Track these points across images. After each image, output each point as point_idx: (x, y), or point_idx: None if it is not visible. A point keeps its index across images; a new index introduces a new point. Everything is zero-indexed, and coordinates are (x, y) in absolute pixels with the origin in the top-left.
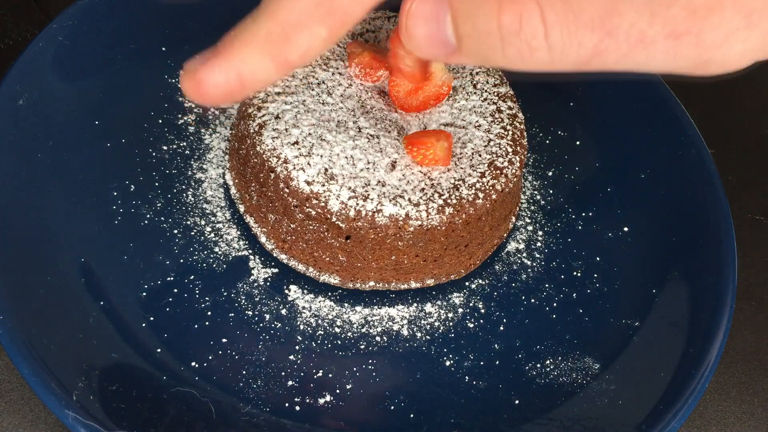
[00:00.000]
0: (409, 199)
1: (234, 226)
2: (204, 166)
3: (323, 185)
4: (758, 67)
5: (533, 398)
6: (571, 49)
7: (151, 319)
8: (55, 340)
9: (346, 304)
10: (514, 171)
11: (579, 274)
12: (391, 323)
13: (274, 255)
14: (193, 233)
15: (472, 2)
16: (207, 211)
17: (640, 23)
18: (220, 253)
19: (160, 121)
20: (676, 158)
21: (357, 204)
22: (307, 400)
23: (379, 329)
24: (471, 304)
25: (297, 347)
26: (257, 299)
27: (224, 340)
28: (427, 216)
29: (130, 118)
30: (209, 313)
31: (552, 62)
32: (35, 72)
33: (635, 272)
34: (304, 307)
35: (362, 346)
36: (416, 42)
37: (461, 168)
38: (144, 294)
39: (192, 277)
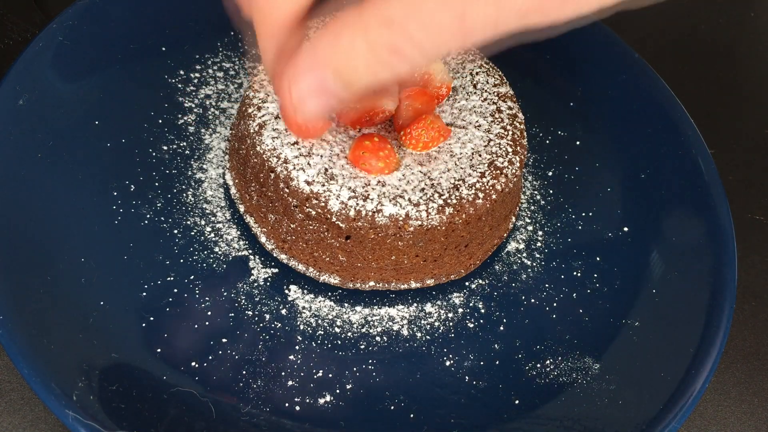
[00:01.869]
0: (409, 199)
1: (234, 226)
2: (204, 166)
3: (323, 185)
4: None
5: (533, 398)
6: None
7: (151, 319)
8: (55, 340)
9: (346, 304)
10: (514, 171)
11: (579, 274)
12: (391, 323)
13: (274, 255)
14: (193, 233)
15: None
16: (207, 211)
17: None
18: (220, 253)
19: (160, 121)
20: (676, 158)
21: (357, 204)
22: (307, 400)
23: (379, 329)
24: (471, 304)
25: (297, 347)
26: (257, 299)
27: (224, 340)
28: (427, 216)
29: (130, 118)
30: (209, 313)
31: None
32: (35, 72)
33: (635, 272)
34: (304, 307)
35: (362, 346)
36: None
37: (461, 168)
38: (144, 294)
39: (192, 277)
